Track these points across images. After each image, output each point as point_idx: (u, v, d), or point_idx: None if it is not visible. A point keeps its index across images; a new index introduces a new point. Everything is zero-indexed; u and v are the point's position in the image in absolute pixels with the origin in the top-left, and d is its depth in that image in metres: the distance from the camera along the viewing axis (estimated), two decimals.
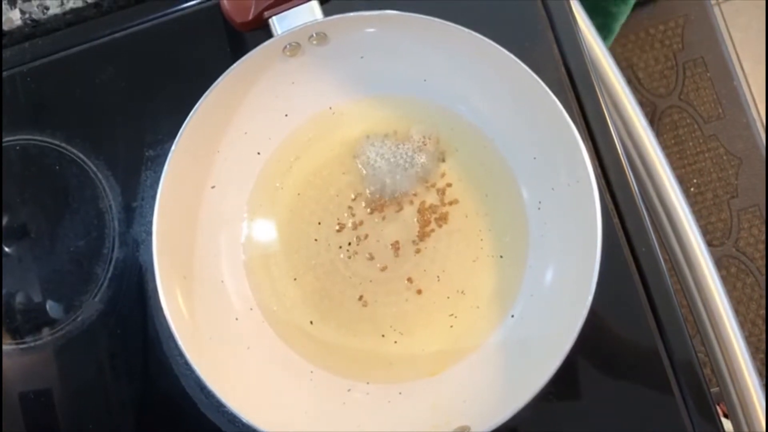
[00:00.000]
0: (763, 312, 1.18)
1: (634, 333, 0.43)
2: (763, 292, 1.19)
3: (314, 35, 0.40)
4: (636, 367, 0.43)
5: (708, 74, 1.22)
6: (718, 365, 0.47)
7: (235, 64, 0.40)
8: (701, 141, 1.22)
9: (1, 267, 0.46)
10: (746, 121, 1.21)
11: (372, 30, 0.41)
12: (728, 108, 1.21)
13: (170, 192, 0.39)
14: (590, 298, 0.37)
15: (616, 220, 0.43)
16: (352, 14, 0.39)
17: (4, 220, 0.47)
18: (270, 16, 0.40)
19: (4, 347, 0.45)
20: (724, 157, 1.21)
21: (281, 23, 0.40)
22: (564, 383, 0.42)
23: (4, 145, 0.47)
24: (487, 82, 0.41)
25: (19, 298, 0.46)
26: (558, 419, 0.43)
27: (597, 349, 0.43)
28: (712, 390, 0.44)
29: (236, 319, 0.42)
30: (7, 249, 0.47)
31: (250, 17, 0.41)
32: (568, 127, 0.37)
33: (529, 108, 0.40)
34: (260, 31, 0.43)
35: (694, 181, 1.21)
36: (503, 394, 0.39)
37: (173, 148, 0.39)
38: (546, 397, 0.42)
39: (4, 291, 0.46)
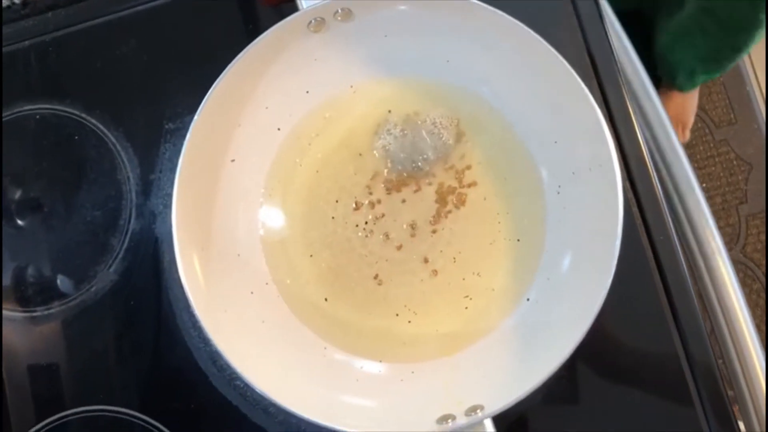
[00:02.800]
0: None
1: (649, 324, 0.43)
2: None
3: (339, 11, 0.40)
4: (651, 360, 0.43)
5: (720, 79, 1.22)
6: (732, 365, 0.47)
7: (259, 37, 0.39)
8: (712, 145, 1.22)
9: (1, 235, 0.46)
10: (757, 127, 1.20)
11: (398, 8, 0.41)
12: (740, 113, 1.21)
13: (191, 163, 0.39)
14: (608, 283, 0.37)
15: (635, 208, 0.43)
16: None
17: (19, 192, 0.47)
18: None
19: (18, 315, 0.45)
20: (735, 162, 1.21)
21: None
22: (577, 372, 0.42)
23: (24, 113, 0.47)
24: (511, 64, 0.41)
25: (34, 267, 0.46)
26: (570, 416, 0.42)
27: (610, 340, 0.43)
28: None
29: (251, 293, 0.42)
30: (20, 222, 0.47)
31: None
32: (593, 110, 0.37)
33: (552, 91, 0.40)
34: (285, 7, 0.43)
35: (704, 185, 1.20)
36: (517, 375, 0.38)
37: (195, 118, 0.39)
38: (559, 382, 0.42)
39: (19, 260, 0.46)
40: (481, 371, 0.40)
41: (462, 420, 0.37)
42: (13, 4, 0.48)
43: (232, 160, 0.43)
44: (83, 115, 0.47)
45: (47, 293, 0.45)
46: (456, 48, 0.42)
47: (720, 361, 0.43)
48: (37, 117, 0.47)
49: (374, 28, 0.42)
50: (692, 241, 0.49)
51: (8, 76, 0.48)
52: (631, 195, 0.43)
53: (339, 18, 0.41)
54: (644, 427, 0.42)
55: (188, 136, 0.39)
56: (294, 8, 0.43)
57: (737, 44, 0.73)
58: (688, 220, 0.49)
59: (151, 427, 0.43)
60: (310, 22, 0.40)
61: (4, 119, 0.47)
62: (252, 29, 0.46)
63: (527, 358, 0.39)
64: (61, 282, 0.45)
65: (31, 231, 0.46)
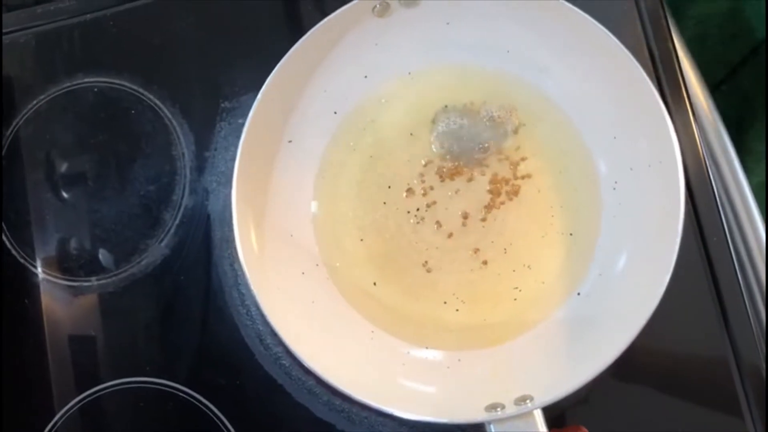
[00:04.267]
0: None
1: (698, 326, 0.42)
2: None
3: None
4: (699, 364, 0.42)
5: None
6: None
7: (324, 20, 0.40)
8: None
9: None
10: None
11: None
12: None
13: (251, 142, 0.39)
14: (666, 282, 0.36)
15: (689, 207, 0.43)
16: None
17: (77, 163, 0.47)
18: None
19: (71, 283, 0.46)
20: None
21: None
22: (620, 374, 0.42)
23: (82, 86, 0.48)
24: (573, 56, 0.41)
25: (87, 238, 0.46)
26: (611, 419, 0.42)
27: (656, 341, 0.42)
28: None
29: (302, 273, 0.42)
30: (66, 194, 0.47)
31: None
32: (658, 105, 0.37)
33: (615, 85, 0.40)
34: None
35: None
36: (566, 369, 0.38)
37: (258, 98, 0.39)
38: (600, 384, 0.41)
39: (73, 231, 0.46)
40: (530, 362, 0.40)
41: (511, 409, 0.37)
42: None
43: (289, 141, 0.43)
44: (141, 90, 0.47)
45: (98, 264, 0.46)
46: (517, 38, 0.42)
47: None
48: (95, 90, 0.48)
49: (437, 15, 0.42)
50: (740, 244, 0.48)
51: (68, 48, 0.48)
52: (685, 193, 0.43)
53: (403, 3, 0.41)
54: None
55: (251, 114, 0.39)
56: None
57: None
58: (737, 223, 0.48)
59: (195, 401, 0.44)
60: (375, 6, 0.41)
61: (63, 90, 0.48)
62: (312, 11, 0.47)
63: (577, 352, 0.39)
64: (113, 254, 0.46)
65: (85, 203, 0.47)
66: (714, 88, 0.60)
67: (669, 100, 0.44)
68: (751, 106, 0.63)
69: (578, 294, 0.41)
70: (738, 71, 0.66)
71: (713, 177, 0.48)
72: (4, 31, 0.49)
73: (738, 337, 0.42)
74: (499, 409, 0.37)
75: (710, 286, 0.42)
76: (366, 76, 0.44)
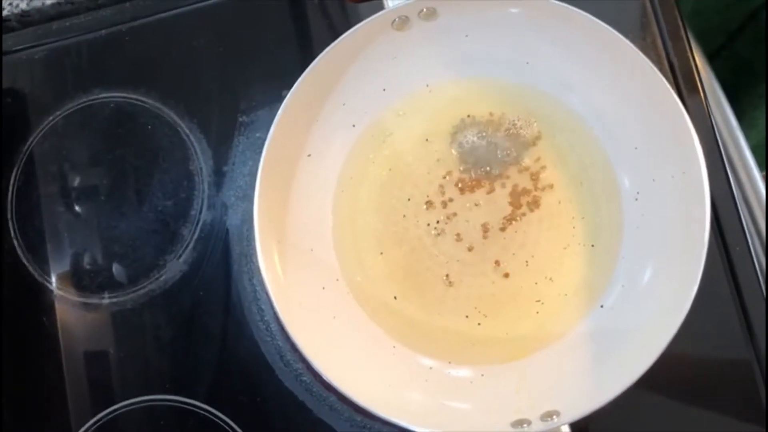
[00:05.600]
0: None
1: (722, 334, 0.42)
2: None
3: (425, 9, 0.40)
4: (722, 373, 0.42)
5: None
6: None
7: (345, 35, 0.40)
8: None
9: None
10: None
11: (483, 8, 0.40)
12: None
13: (272, 157, 0.39)
14: (693, 294, 0.36)
15: (711, 216, 0.42)
16: None
17: (94, 179, 0.47)
18: None
19: (89, 300, 0.45)
20: None
21: None
22: (639, 384, 0.41)
23: (99, 101, 0.48)
24: (594, 67, 0.41)
25: (105, 254, 0.46)
26: (636, 424, 0.41)
27: (681, 347, 0.42)
28: None
29: (323, 288, 0.42)
30: (83, 210, 0.47)
31: None
32: (682, 116, 0.37)
33: (637, 95, 0.40)
34: (366, 5, 0.43)
35: None
36: (592, 383, 0.38)
37: (279, 113, 0.39)
38: (626, 391, 0.41)
39: (92, 246, 0.46)
40: (554, 376, 0.39)
41: (537, 425, 0.36)
42: None
43: (309, 155, 0.43)
44: (158, 104, 0.47)
45: (116, 281, 0.46)
46: (537, 50, 0.42)
47: None
48: (112, 105, 0.48)
49: (456, 28, 0.42)
50: (760, 251, 0.48)
51: (84, 64, 0.48)
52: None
53: (422, 17, 0.41)
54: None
55: (272, 129, 0.39)
56: (374, 6, 0.43)
57: None
58: (755, 229, 0.48)
59: (215, 419, 0.43)
60: (395, 20, 0.41)
61: (79, 105, 0.48)
62: (329, 25, 0.47)
63: (603, 366, 0.39)
64: (131, 270, 0.46)
65: (103, 219, 0.47)
66: (712, 55, 0.60)
67: (690, 109, 0.44)
68: (749, 72, 0.63)
69: (601, 307, 0.41)
70: (735, 38, 0.66)
71: (733, 184, 0.47)
72: (20, 47, 0.49)
73: (762, 345, 0.41)
74: (525, 425, 0.37)
75: (734, 294, 0.42)
76: (384, 89, 0.44)
